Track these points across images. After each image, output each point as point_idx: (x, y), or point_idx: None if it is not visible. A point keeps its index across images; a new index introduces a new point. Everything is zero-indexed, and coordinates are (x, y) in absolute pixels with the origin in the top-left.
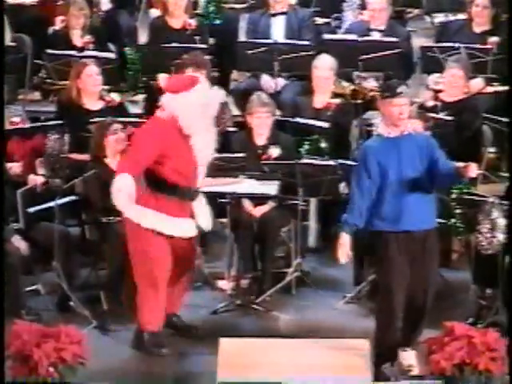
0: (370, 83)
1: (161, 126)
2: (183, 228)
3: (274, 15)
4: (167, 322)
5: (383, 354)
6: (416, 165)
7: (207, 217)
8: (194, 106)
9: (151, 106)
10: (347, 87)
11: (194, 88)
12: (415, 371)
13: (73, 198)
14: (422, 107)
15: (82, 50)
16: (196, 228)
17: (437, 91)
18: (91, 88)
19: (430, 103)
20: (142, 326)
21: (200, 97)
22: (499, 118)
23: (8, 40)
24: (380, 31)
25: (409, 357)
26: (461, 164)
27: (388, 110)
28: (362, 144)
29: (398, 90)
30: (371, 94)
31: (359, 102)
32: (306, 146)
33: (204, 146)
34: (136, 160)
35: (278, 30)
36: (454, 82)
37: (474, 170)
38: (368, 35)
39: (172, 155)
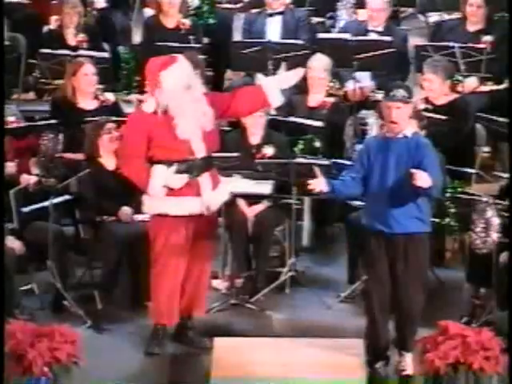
0: (367, 83)
1: (138, 113)
2: (188, 206)
3: (271, 15)
4: (180, 325)
5: (373, 354)
6: (401, 168)
7: (212, 195)
8: (173, 83)
9: None
10: (340, 89)
11: (172, 66)
12: (409, 371)
13: (67, 197)
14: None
15: (75, 49)
16: (201, 205)
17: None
18: (86, 87)
19: (421, 106)
20: (155, 320)
21: (178, 75)
22: (493, 117)
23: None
24: (378, 32)
25: (404, 359)
26: (414, 171)
27: (383, 111)
28: (355, 143)
29: (392, 93)
30: (365, 95)
31: (353, 101)
32: (300, 145)
33: (187, 126)
34: (132, 154)
35: (274, 30)
36: (430, 87)
37: (423, 180)
38: (365, 35)
39: (156, 135)
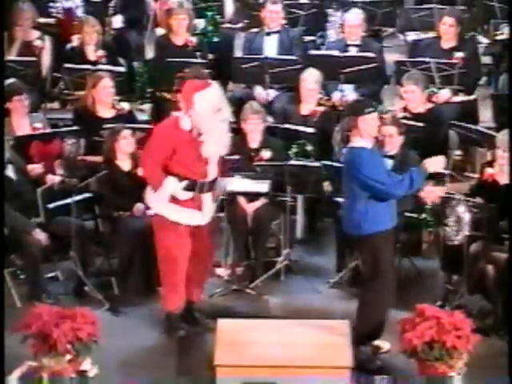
0: (351, 94)
1: (170, 125)
2: (188, 217)
3: (268, 34)
4: (187, 309)
5: (367, 338)
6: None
7: (208, 211)
8: (205, 105)
9: (157, 113)
10: (329, 99)
11: (206, 90)
12: (385, 349)
13: (87, 195)
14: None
15: (95, 63)
16: (201, 219)
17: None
18: (105, 98)
19: (400, 114)
20: (165, 306)
21: (211, 98)
22: (464, 125)
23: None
24: (356, 45)
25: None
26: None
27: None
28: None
29: (366, 110)
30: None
31: (340, 110)
32: (294, 149)
33: (212, 144)
34: (153, 159)
35: (271, 47)
36: (412, 97)
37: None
38: (346, 50)
39: (180, 151)
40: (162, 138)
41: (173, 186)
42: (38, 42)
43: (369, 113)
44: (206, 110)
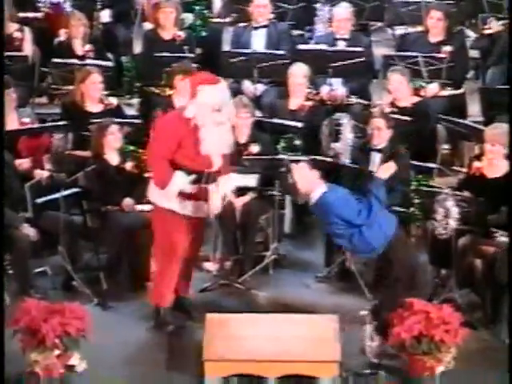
0: (339, 88)
1: (173, 118)
2: (196, 210)
3: (256, 28)
4: (179, 303)
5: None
6: None
7: (217, 203)
8: (206, 99)
9: (145, 108)
10: (317, 94)
11: (212, 85)
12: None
13: (76, 189)
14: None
15: (83, 58)
16: (207, 210)
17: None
18: (94, 93)
19: (387, 109)
20: (155, 301)
21: (214, 95)
22: (452, 119)
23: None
24: (345, 40)
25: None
26: None
27: None
28: (331, 141)
29: None
30: (338, 99)
31: (329, 104)
32: (282, 144)
33: (211, 143)
34: (159, 155)
35: (259, 42)
36: (398, 88)
37: None
38: (335, 44)
39: (185, 143)
40: (166, 131)
41: (181, 181)
42: (17, 34)
43: None
44: (205, 105)
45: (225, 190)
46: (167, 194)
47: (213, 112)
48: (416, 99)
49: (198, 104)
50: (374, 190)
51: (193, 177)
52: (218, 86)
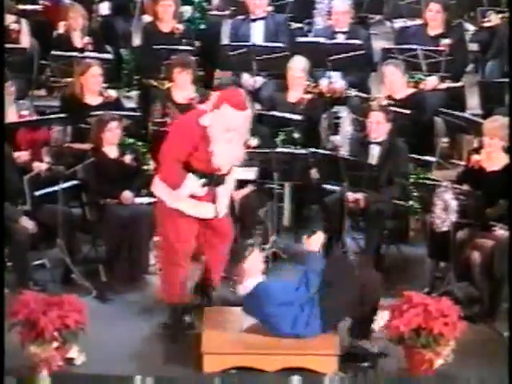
0: (338, 81)
1: (191, 121)
2: (203, 211)
3: (254, 20)
4: (205, 285)
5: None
6: None
7: (224, 204)
8: (224, 119)
9: (144, 101)
10: (316, 87)
11: (237, 111)
12: None
13: (74, 182)
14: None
15: (82, 50)
16: (215, 211)
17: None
18: (93, 86)
19: (384, 102)
20: (164, 298)
21: (234, 119)
22: (451, 112)
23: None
24: (344, 33)
25: None
26: None
27: None
28: (330, 134)
29: None
30: (337, 92)
31: (328, 97)
32: (281, 137)
33: (221, 157)
34: (174, 158)
35: (257, 34)
36: (393, 79)
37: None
38: (334, 37)
39: (201, 147)
40: (183, 134)
41: (193, 184)
42: (13, 26)
43: None
44: (222, 123)
45: (230, 187)
46: (177, 195)
47: (227, 132)
48: (411, 91)
49: (216, 119)
50: (310, 264)
51: (204, 180)
52: (243, 113)
